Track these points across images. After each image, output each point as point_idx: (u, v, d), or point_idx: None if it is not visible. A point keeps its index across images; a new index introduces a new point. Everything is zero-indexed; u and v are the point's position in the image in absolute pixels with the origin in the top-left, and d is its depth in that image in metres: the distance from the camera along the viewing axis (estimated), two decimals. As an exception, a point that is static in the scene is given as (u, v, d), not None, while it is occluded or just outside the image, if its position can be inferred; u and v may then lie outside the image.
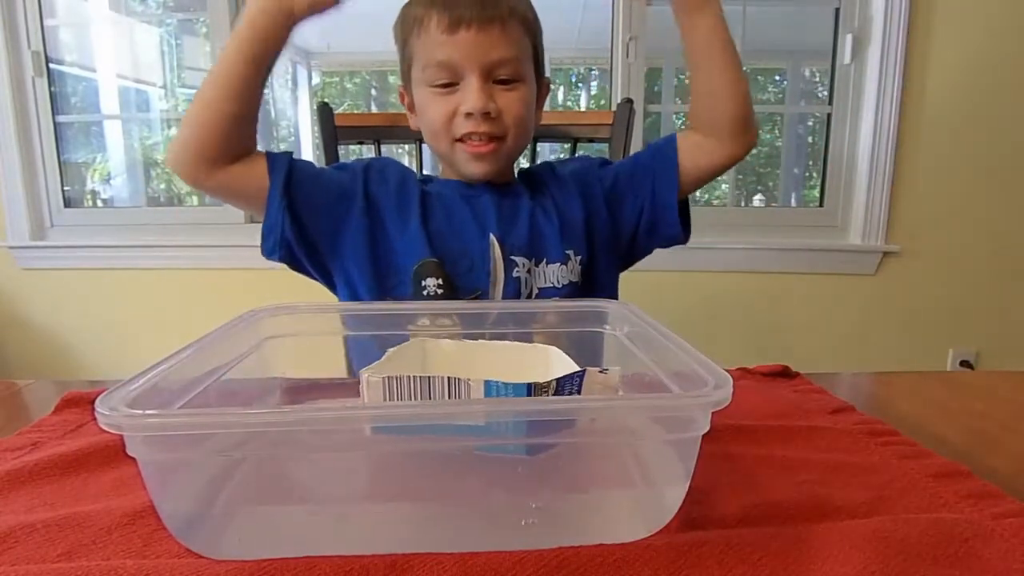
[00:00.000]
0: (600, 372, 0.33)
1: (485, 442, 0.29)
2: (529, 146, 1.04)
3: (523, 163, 0.97)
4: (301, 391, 0.49)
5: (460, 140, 0.73)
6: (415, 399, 0.33)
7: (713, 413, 0.29)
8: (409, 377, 0.33)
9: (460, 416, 0.28)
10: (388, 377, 0.33)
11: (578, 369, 0.33)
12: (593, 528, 0.31)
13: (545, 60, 0.80)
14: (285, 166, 0.74)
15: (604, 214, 0.80)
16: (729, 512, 0.33)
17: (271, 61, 0.71)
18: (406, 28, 0.75)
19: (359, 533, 0.32)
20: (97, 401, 0.27)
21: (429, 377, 0.33)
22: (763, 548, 0.29)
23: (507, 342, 0.42)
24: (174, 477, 0.31)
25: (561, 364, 0.38)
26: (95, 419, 0.27)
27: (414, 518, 0.33)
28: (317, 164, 0.79)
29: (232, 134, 0.72)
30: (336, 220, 0.75)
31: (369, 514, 0.33)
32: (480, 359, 0.42)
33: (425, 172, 0.94)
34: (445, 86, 0.72)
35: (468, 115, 0.71)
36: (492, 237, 0.76)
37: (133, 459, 0.28)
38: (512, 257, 0.75)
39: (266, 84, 0.73)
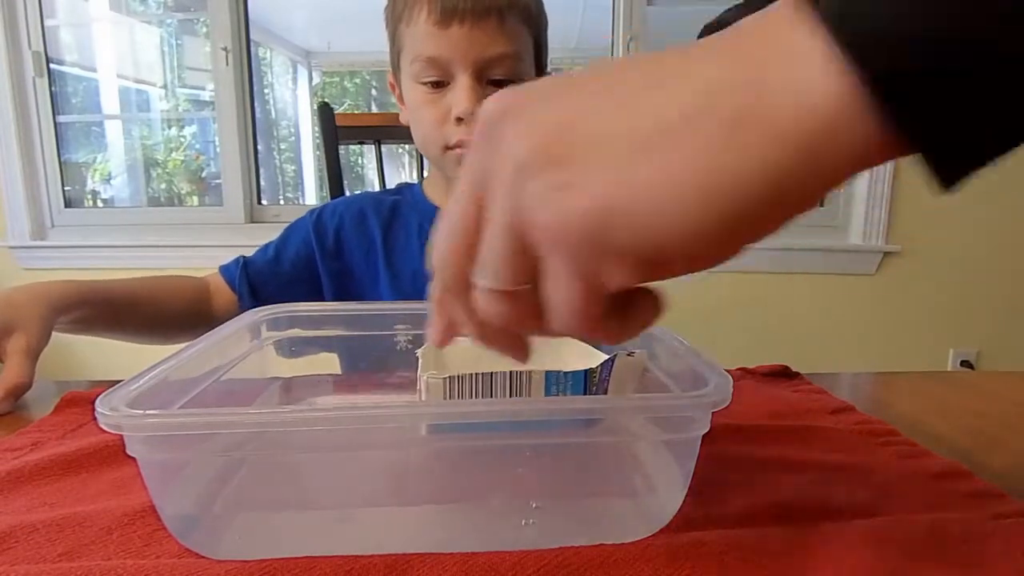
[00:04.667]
0: (628, 355, 0.34)
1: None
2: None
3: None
4: (301, 391, 0.49)
5: (450, 147, 0.67)
6: (477, 397, 0.33)
7: (713, 413, 0.29)
8: (471, 376, 0.32)
9: (510, 414, 0.28)
10: (449, 377, 0.32)
11: (608, 356, 0.34)
12: (593, 528, 0.31)
13: (547, 55, 0.74)
14: (244, 282, 0.73)
15: None
16: (729, 512, 0.33)
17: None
18: (395, 14, 0.68)
19: (359, 533, 0.32)
20: (97, 401, 0.27)
21: (491, 374, 0.32)
22: (763, 548, 0.29)
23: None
24: (174, 477, 0.31)
25: (580, 350, 0.38)
26: (95, 419, 0.27)
27: (414, 518, 0.33)
28: (268, 250, 0.77)
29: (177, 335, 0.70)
30: (310, 282, 0.75)
31: (369, 514, 0.33)
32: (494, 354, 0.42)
33: (424, 175, 0.93)
34: (434, 84, 0.66)
35: (459, 120, 0.65)
36: None
37: (133, 459, 0.28)
38: None
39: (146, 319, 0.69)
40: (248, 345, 0.45)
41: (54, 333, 0.58)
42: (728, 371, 0.31)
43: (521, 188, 0.19)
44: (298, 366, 0.49)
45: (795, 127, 0.17)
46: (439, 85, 0.66)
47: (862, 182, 1.84)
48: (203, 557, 0.29)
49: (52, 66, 1.96)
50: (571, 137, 0.18)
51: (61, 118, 1.98)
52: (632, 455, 0.35)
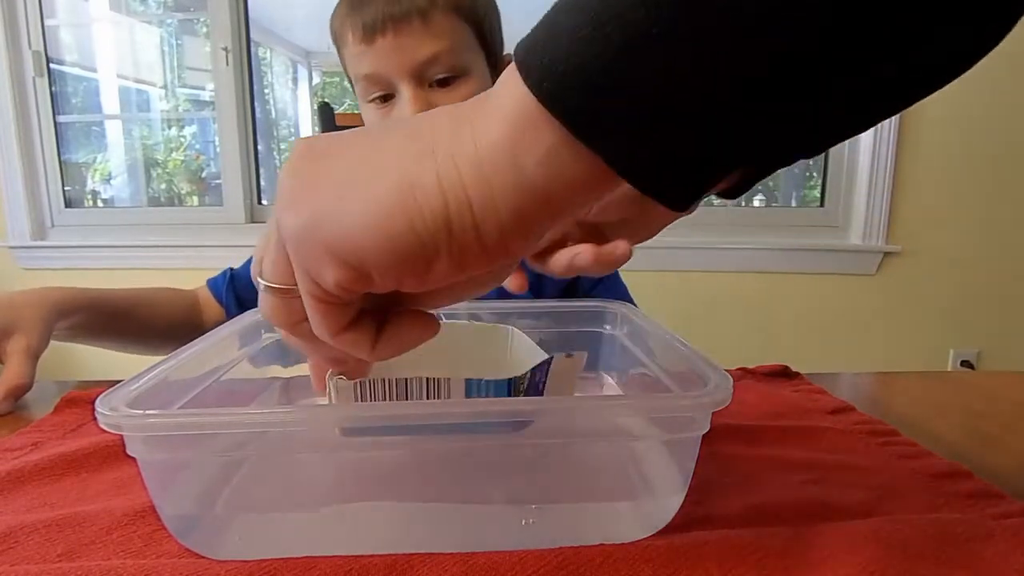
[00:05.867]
0: (567, 357, 0.33)
1: (470, 434, 0.29)
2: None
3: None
4: (300, 391, 0.49)
5: None
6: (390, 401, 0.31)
7: (713, 413, 0.29)
8: (384, 380, 0.31)
9: (451, 417, 0.28)
10: (361, 381, 0.30)
11: (545, 356, 0.33)
12: (593, 528, 0.31)
13: (500, 38, 0.71)
14: (232, 295, 0.73)
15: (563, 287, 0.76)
16: (729, 512, 0.33)
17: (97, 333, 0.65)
18: (333, 40, 0.68)
19: (359, 533, 0.32)
20: (97, 401, 0.27)
21: (406, 379, 0.31)
22: (763, 548, 0.29)
23: (465, 322, 0.41)
24: (174, 477, 0.31)
25: (524, 347, 0.37)
26: (95, 419, 0.27)
27: (414, 518, 0.33)
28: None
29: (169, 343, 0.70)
30: None
31: (369, 514, 0.33)
32: (441, 344, 0.41)
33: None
34: (383, 99, 0.65)
35: None
36: None
37: (133, 459, 0.28)
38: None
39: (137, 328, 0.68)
40: (248, 345, 0.45)
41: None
42: (728, 371, 0.31)
43: (281, 204, 0.22)
44: (298, 366, 0.49)
45: (473, 150, 0.20)
46: (387, 99, 0.65)
47: (862, 182, 1.84)
48: (203, 557, 0.29)
49: (52, 66, 1.96)
50: (321, 166, 0.22)
51: (61, 118, 1.98)
52: (632, 455, 0.35)
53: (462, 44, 0.65)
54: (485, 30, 0.68)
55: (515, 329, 0.38)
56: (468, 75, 0.66)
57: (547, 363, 0.32)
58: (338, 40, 0.67)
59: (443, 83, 0.65)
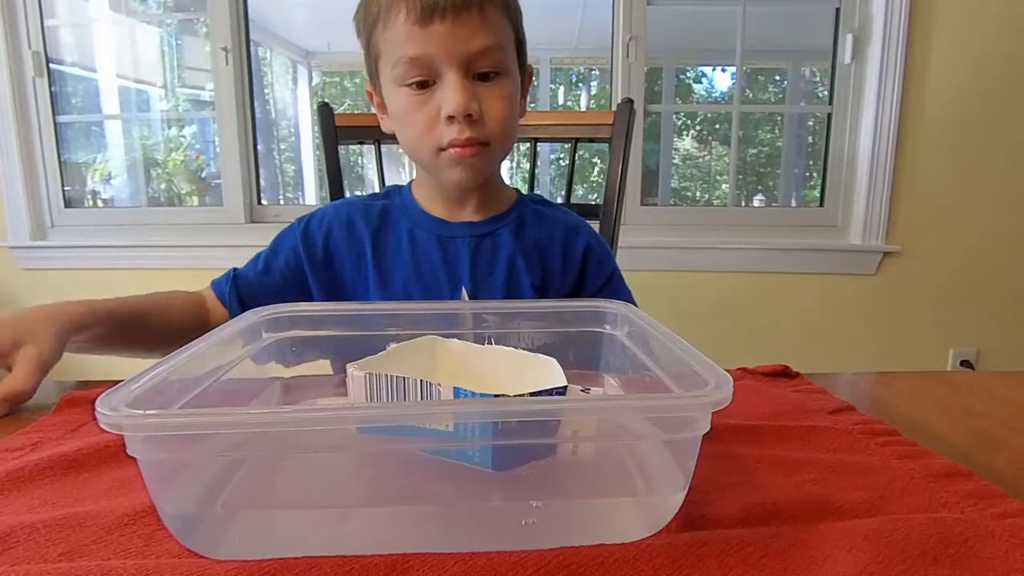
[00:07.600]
0: (582, 390, 0.34)
1: (457, 444, 0.30)
2: (529, 146, 1.04)
3: (524, 164, 0.95)
4: (300, 390, 0.49)
5: (443, 149, 0.66)
6: (391, 398, 0.34)
7: (713, 413, 0.29)
8: (387, 376, 0.35)
9: (431, 417, 0.29)
10: (369, 374, 0.35)
11: (560, 384, 0.34)
12: (593, 528, 0.31)
13: (526, 47, 0.72)
14: (235, 296, 0.73)
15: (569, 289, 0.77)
16: (729, 512, 0.33)
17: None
18: (369, 20, 0.66)
19: (359, 533, 0.32)
20: (97, 401, 0.27)
21: (404, 378, 0.34)
22: (763, 548, 0.29)
23: (514, 349, 0.42)
24: (174, 477, 0.31)
25: (554, 377, 0.38)
26: (95, 419, 0.27)
27: (415, 518, 0.33)
28: (257, 262, 0.76)
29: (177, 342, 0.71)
30: (299, 293, 0.74)
31: (369, 514, 0.33)
32: (482, 364, 0.42)
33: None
34: (420, 85, 0.64)
35: (450, 119, 0.63)
36: (464, 292, 0.71)
37: (133, 459, 0.28)
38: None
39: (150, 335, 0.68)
40: (248, 345, 0.45)
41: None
42: (728, 371, 0.31)
43: None
44: (298, 366, 0.49)
45: None
46: (424, 85, 0.64)
47: (862, 182, 1.84)
48: (203, 557, 0.29)
49: (52, 66, 1.96)
50: None
51: (61, 118, 1.98)
52: (632, 455, 0.35)
53: (507, 43, 0.66)
54: (521, 34, 0.70)
55: (555, 361, 0.39)
56: (507, 74, 0.67)
57: (559, 393, 0.34)
58: (379, 19, 0.65)
59: (483, 77, 0.65)
